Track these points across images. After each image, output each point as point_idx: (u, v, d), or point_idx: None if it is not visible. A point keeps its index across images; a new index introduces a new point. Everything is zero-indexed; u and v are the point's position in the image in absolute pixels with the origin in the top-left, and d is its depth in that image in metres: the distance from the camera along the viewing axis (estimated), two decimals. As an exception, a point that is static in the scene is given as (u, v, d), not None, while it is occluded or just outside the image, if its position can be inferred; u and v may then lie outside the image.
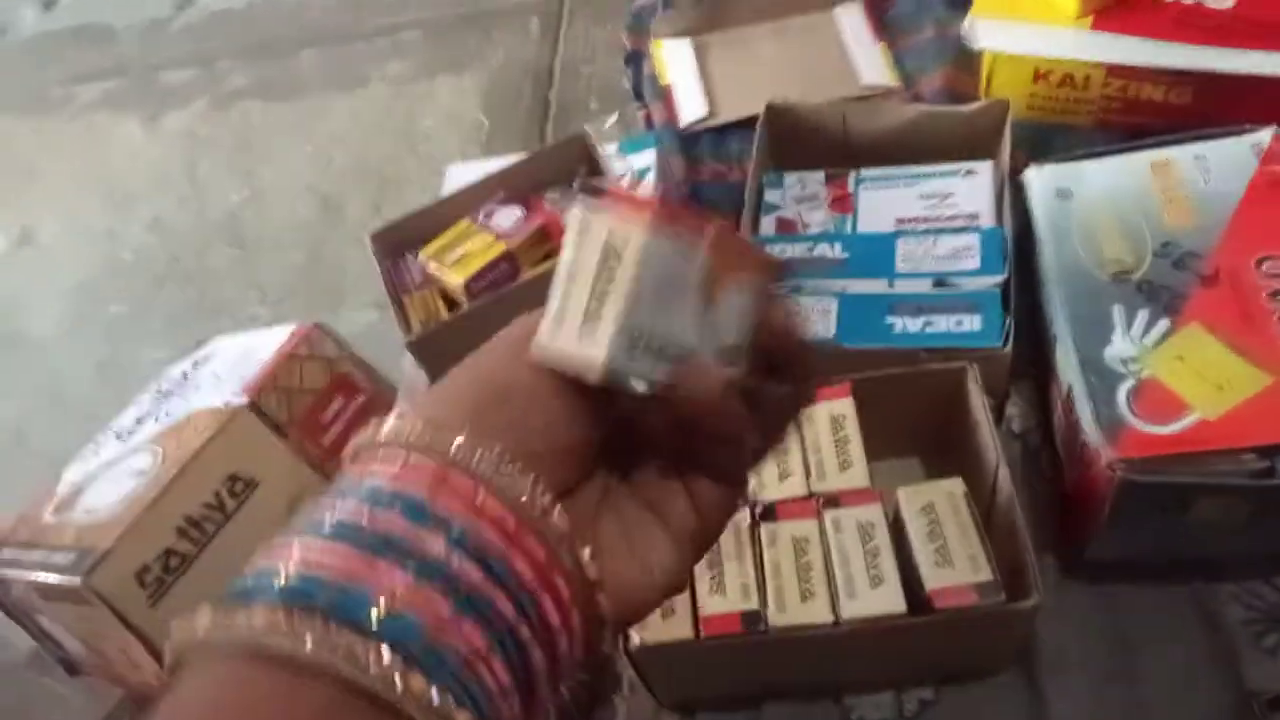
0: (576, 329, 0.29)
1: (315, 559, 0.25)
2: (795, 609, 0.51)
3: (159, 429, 0.64)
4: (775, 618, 0.51)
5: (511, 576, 0.26)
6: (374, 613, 0.24)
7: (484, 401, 0.28)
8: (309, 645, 0.23)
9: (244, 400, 0.61)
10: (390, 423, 0.28)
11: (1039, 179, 0.65)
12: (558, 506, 0.27)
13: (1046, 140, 0.77)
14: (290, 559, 0.25)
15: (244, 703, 0.24)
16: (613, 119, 0.89)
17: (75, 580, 0.54)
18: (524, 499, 0.27)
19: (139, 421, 0.68)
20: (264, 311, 0.89)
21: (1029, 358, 0.65)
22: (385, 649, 0.24)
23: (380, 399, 0.68)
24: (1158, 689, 0.54)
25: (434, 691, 0.24)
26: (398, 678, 0.24)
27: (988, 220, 0.69)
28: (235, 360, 0.67)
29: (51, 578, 0.56)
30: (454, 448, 0.27)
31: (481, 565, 0.26)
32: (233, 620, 0.24)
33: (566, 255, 0.30)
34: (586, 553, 0.28)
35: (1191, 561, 0.57)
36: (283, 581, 0.25)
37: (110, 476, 0.63)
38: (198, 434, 0.60)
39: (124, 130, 1.11)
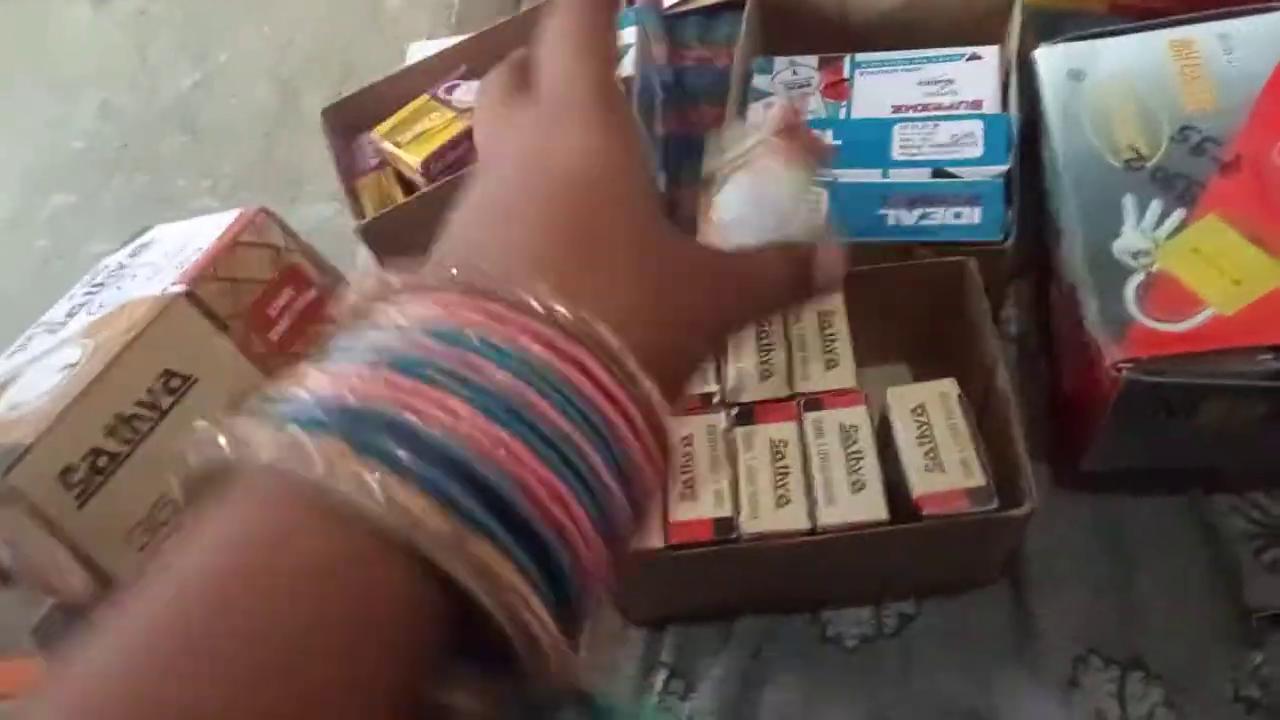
0: None
1: (364, 388, 0.21)
2: (769, 515, 0.48)
3: (90, 320, 0.60)
4: (748, 525, 0.48)
5: (606, 425, 0.22)
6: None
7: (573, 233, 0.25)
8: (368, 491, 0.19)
9: (181, 289, 0.56)
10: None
11: (1049, 59, 0.59)
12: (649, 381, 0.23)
13: (1057, 26, 0.71)
14: (336, 386, 0.21)
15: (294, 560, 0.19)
16: None
17: (-7, 479, 0.50)
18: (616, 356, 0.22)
19: (70, 314, 0.63)
20: (215, 203, 0.84)
21: (1030, 256, 0.61)
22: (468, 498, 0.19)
23: (332, 294, 0.63)
24: (1151, 603, 0.51)
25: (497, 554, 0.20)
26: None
27: (992, 108, 0.64)
28: (175, 248, 0.62)
29: (-30, 476, 0.52)
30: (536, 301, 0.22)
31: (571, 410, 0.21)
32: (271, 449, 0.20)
33: None
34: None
35: (1192, 470, 0.54)
36: (332, 409, 0.20)
37: (37, 371, 0.58)
38: (130, 325, 0.55)
39: (71, 12, 1.04)
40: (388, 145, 0.58)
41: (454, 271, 0.23)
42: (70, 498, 0.51)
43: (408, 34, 0.90)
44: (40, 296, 0.82)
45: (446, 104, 0.58)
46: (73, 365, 0.55)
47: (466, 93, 0.59)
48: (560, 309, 0.22)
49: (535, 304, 0.22)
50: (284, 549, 0.19)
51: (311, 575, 0.19)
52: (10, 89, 0.99)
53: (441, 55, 0.62)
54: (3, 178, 0.92)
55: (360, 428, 0.20)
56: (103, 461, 0.52)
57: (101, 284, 0.64)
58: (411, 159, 0.56)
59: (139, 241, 0.68)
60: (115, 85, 0.96)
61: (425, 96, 0.60)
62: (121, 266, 0.65)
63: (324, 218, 0.78)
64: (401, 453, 0.19)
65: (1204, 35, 0.57)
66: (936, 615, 0.53)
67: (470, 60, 0.61)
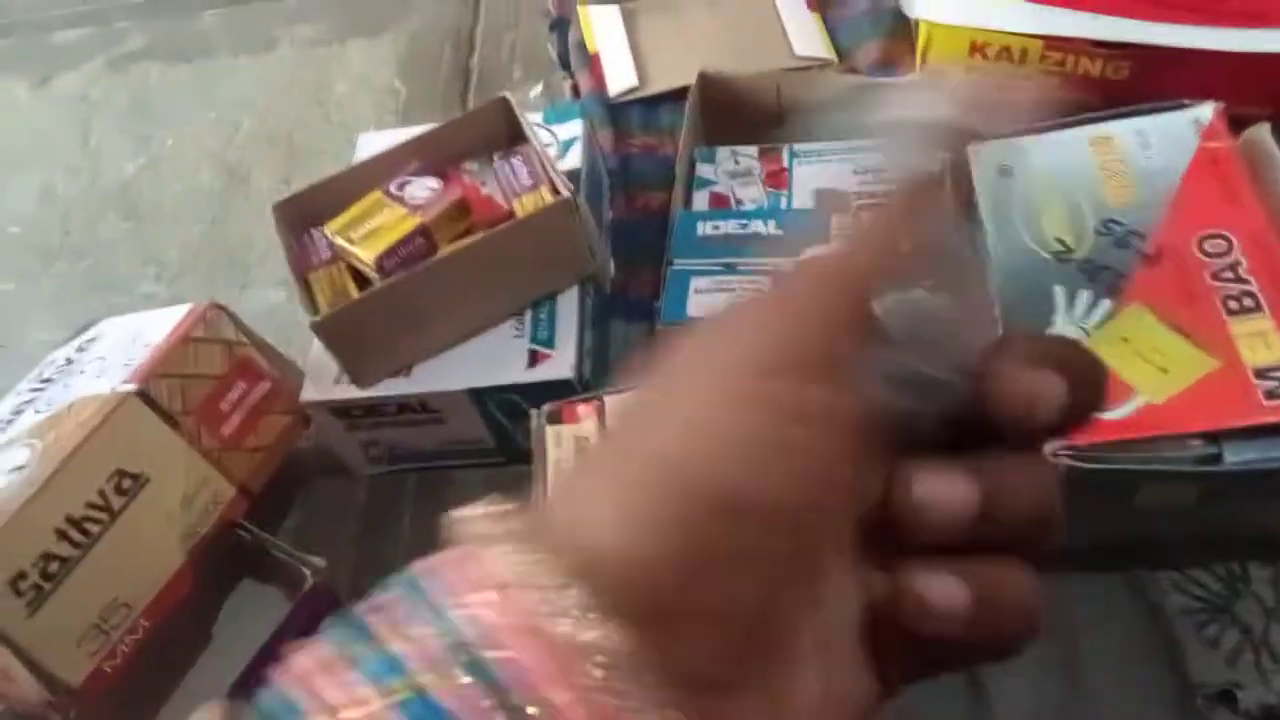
0: None
1: None
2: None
3: (37, 420, 0.59)
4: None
5: None
6: None
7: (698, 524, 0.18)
8: None
9: (132, 388, 0.55)
10: (532, 541, 0.18)
11: (980, 156, 0.63)
12: None
13: (984, 115, 0.75)
14: (329, 706, 0.17)
15: None
16: (538, 88, 0.85)
17: (-61, 589, 0.48)
18: None
19: (17, 411, 0.62)
20: (160, 290, 0.83)
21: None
22: None
23: (285, 386, 0.63)
24: (1098, 679, 0.53)
25: None
26: None
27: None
28: (123, 343, 0.62)
29: (-87, 585, 0.50)
30: (628, 661, 0.17)
31: None
32: None
33: None
34: None
35: (1132, 548, 0.56)
36: None
37: (-18, 473, 0.57)
38: (79, 425, 0.55)
39: (9, 94, 1.03)
40: (340, 241, 0.59)
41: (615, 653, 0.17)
42: (21, 605, 0.50)
43: (354, 119, 0.91)
44: (-22, 385, 0.81)
45: (399, 200, 0.59)
46: (21, 468, 0.55)
47: (418, 189, 0.60)
48: None
49: None
50: None
51: None
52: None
53: (392, 152, 0.63)
54: (-62, 263, 0.91)
55: None
56: (54, 567, 0.51)
57: (49, 379, 0.63)
58: (366, 255, 0.57)
59: (86, 336, 0.67)
60: (55, 169, 0.95)
61: (377, 193, 0.60)
62: (69, 361, 0.64)
63: (273, 304, 0.78)
64: None
65: (1122, 131, 0.61)
66: (893, 697, 0.54)
67: (421, 157, 0.62)
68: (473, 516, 0.19)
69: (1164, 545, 0.55)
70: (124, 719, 0.59)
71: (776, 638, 0.20)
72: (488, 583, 0.18)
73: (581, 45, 0.87)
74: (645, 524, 0.18)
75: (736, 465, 0.19)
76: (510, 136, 0.66)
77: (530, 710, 0.16)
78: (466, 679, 0.16)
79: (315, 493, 0.69)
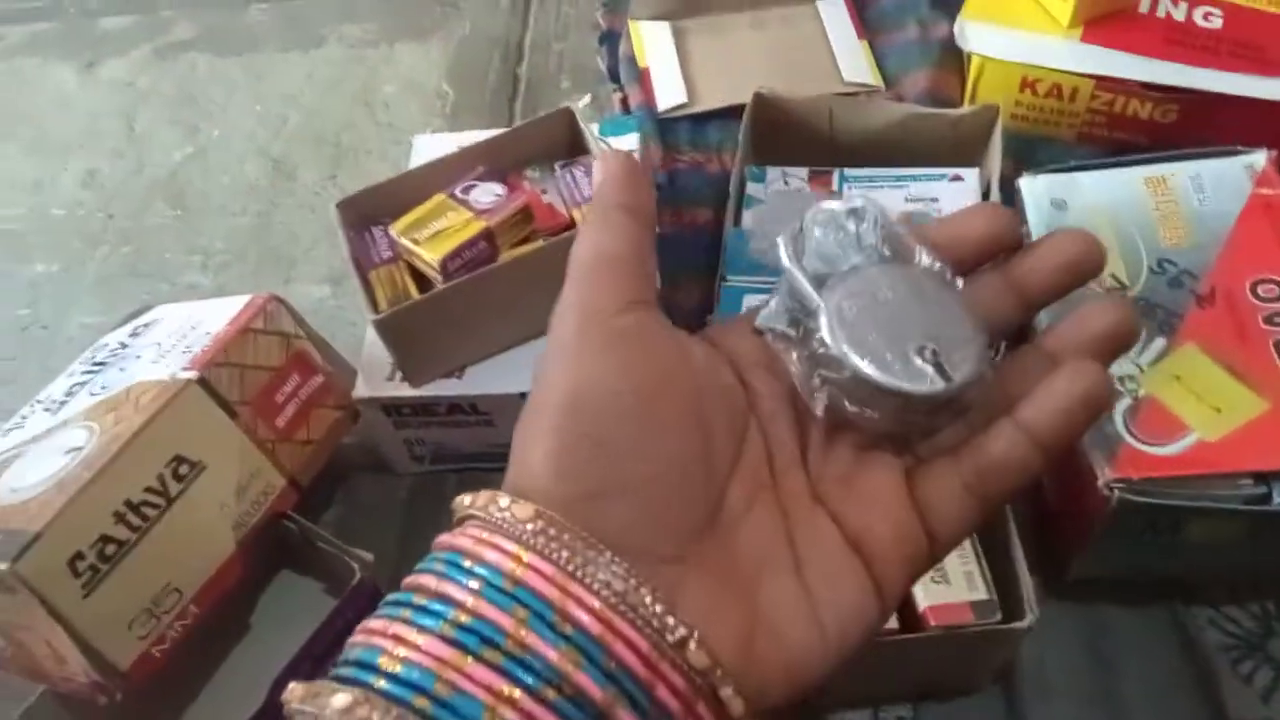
0: None
1: (419, 656, 0.22)
2: (783, 622, 0.49)
3: (93, 402, 0.59)
4: (762, 630, 0.49)
5: (652, 702, 0.23)
6: None
7: (565, 431, 0.25)
8: None
9: (193, 375, 0.56)
10: (504, 501, 0.24)
11: (1032, 188, 0.64)
12: (693, 639, 0.23)
13: (1029, 151, 0.76)
14: (394, 646, 0.23)
15: None
16: (585, 99, 0.86)
17: (1, 566, 0.49)
18: (654, 624, 0.23)
19: (70, 393, 0.62)
20: (205, 280, 0.83)
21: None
22: None
23: (336, 381, 0.64)
24: (1138, 710, 0.53)
25: None
26: None
27: (974, 227, 0.68)
28: (181, 330, 0.62)
29: (-29, 561, 0.51)
30: (571, 551, 0.23)
31: (612, 682, 0.23)
32: (329, 708, 0.22)
33: None
34: (728, 691, 0.24)
35: (1172, 582, 0.57)
36: (387, 673, 0.22)
37: (37, 453, 0.57)
38: (139, 410, 0.55)
39: (55, 77, 1.03)
40: (405, 241, 0.59)
41: (583, 552, 0.23)
42: (77, 586, 0.51)
43: (401, 121, 0.92)
44: (20, 364, 0.81)
45: (464, 204, 0.60)
46: (79, 449, 0.55)
47: (483, 194, 0.61)
48: (693, 652, 0.23)
49: (666, 631, 0.23)
50: None
51: None
52: (-14, 149, 0.98)
53: (456, 156, 0.64)
54: (-19, 242, 0.91)
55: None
56: (110, 549, 0.52)
57: (103, 363, 0.64)
58: (430, 256, 0.58)
59: (140, 321, 0.68)
60: (100, 155, 0.95)
61: (442, 195, 0.61)
62: (123, 345, 0.65)
63: (317, 299, 0.79)
64: None
65: (1177, 173, 0.62)
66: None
67: (484, 162, 0.63)
68: (464, 500, 0.26)
69: (1205, 581, 0.56)
70: (162, 706, 0.60)
71: (701, 517, 0.25)
72: (483, 536, 0.24)
73: (632, 59, 0.88)
74: (546, 448, 0.25)
75: (573, 377, 0.25)
76: (571, 147, 0.66)
77: (495, 575, 0.23)
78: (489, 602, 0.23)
79: (356, 488, 0.69)
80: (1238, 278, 0.56)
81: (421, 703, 0.22)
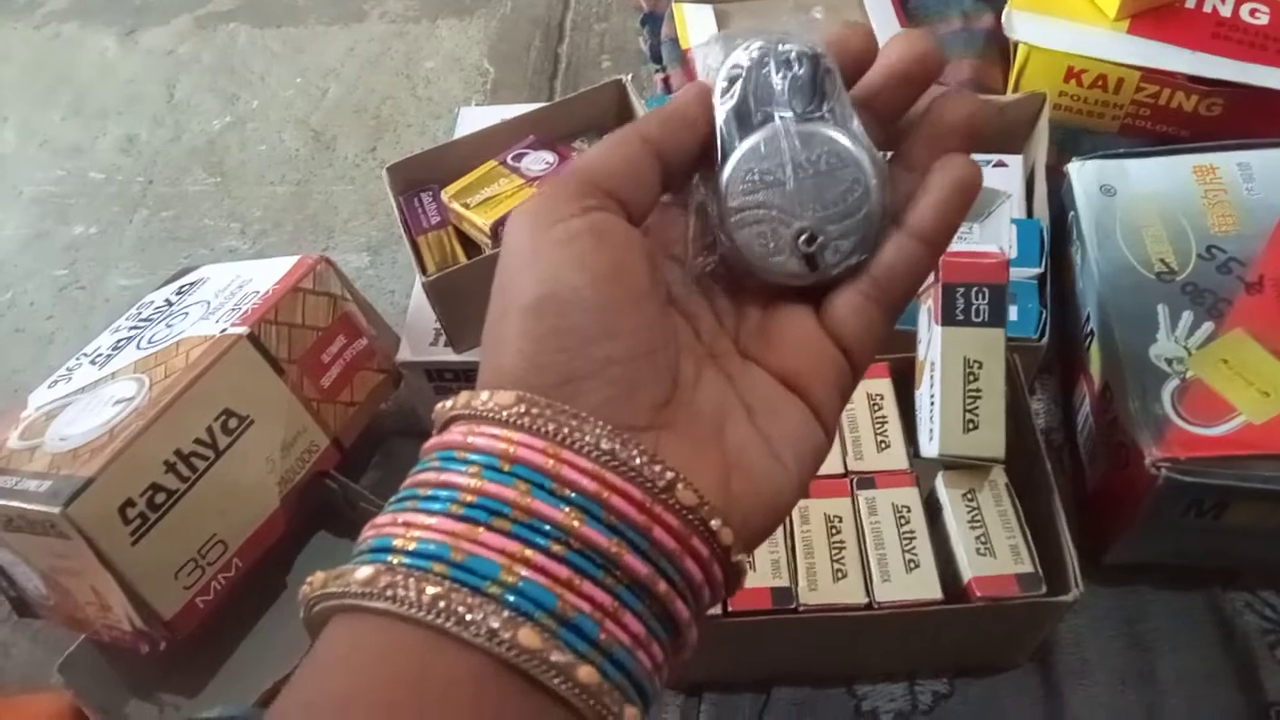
0: None
1: (432, 534, 0.24)
2: (828, 588, 0.50)
3: (141, 355, 0.60)
4: (806, 596, 0.49)
5: (651, 544, 0.25)
6: (503, 580, 0.23)
7: (534, 327, 0.26)
8: (439, 610, 0.23)
9: (244, 330, 0.56)
10: (484, 395, 0.26)
11: (1081, 174, 0.64)
12: (680, 481, 0.25)
13: (1073, 141, 0.76)
14: (406, 530, 0.24)
15: (383, 667, 0.23)
16: (627, 79, 0.86)
17: (53, 510, 0.49)
18: (645, 471, 0.25)
19: (116, 347, 0.63)
20: (244, 246, 0.84)
21: (1054, 353, 0.64)
22: (527, 625, 0.23)
23: (380, 345, 0.64)
24: (1175, 693, 0.53)
25: (581, 668, 0.23)
26: (538, 649, 0.23)
27: (1018, 213, 0.68)
28: (229, 288, 0.62)
29: (23, 505, 0.51)
30: (556, 424, 0.25)
31: (615, 533, 0.24)
32: (353, 582, 0.23)
33: None
34: (717, 521, 0.26)
35: (1210, 567, 0.57)
36: (403, 550, 0.24)
37: (86, 403, 0.58)
38: (190, 363, 0.55)
39: (96, 43, 1.04)
40: (456, 206, 0.60)
41: (566, 423, 0.25)
42: (127, 533, 0.51)
43: (442, 96, 0.92)
44: (58, 322, 0.82)
45: (515, 171, 0.60)
46: (129, 399, 0.56)
47: (534, 162, 0.61)
48: (682, 492, 0.25)
49: (656, 480, 0.25)
50: (430, 678, 0.23)
51: (455, 698, 0.23)
52: (27, 114, 0.99)
53: (506, 125, 0.64)
54: (22, 202, 0.91)
55: (484, 581, 0.23)
56: (160, 498, 0.52)
57: (149, 319, 0.64)
58: (481, 220, 0.58)
59: (185, 280, 0.68)
60: (139, 121, 0.96)
61: (493, 162, 0.62)
62: (169, 303, 0.65)
63: (356, 268, 0.79)
64: (541, 616, 0.23)
65: (1225, 163, 0.62)
66: (970, 694, 0.54)
67: (536, 131, 0.64)
68: (445, 405, 0.27)
69: (1243, 566, 0.56)
70: (199, 660, 0.60)
71: (666, 389, 0.27)
72: (471, 429, 0.26)
73: (675, 41, 0.88)
74: (517, 347, 0.26)
75: (533, 278, 0.26)
76: (620, 118, 0.67)
77: (490, 459, 0.25)
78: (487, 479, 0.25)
79: (393, 453, 0.70)
80: (1286, 266, 0.56)
81: (440, 568, 0.23)
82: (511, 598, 0.23)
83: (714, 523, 0.25)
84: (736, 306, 0.30)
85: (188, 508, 0.54)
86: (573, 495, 0.24)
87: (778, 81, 0.28)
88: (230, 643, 0.62)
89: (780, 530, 0.52)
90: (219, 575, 0.55)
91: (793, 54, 0.28)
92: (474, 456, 0.25)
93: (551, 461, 0.24)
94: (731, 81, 0.29)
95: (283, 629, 0.62)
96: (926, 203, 0.28)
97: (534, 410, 0.25)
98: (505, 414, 0.25)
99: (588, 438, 0.25)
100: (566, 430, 0.25)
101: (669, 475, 0.25)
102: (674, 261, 0.30)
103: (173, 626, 0.54)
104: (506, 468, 0.24)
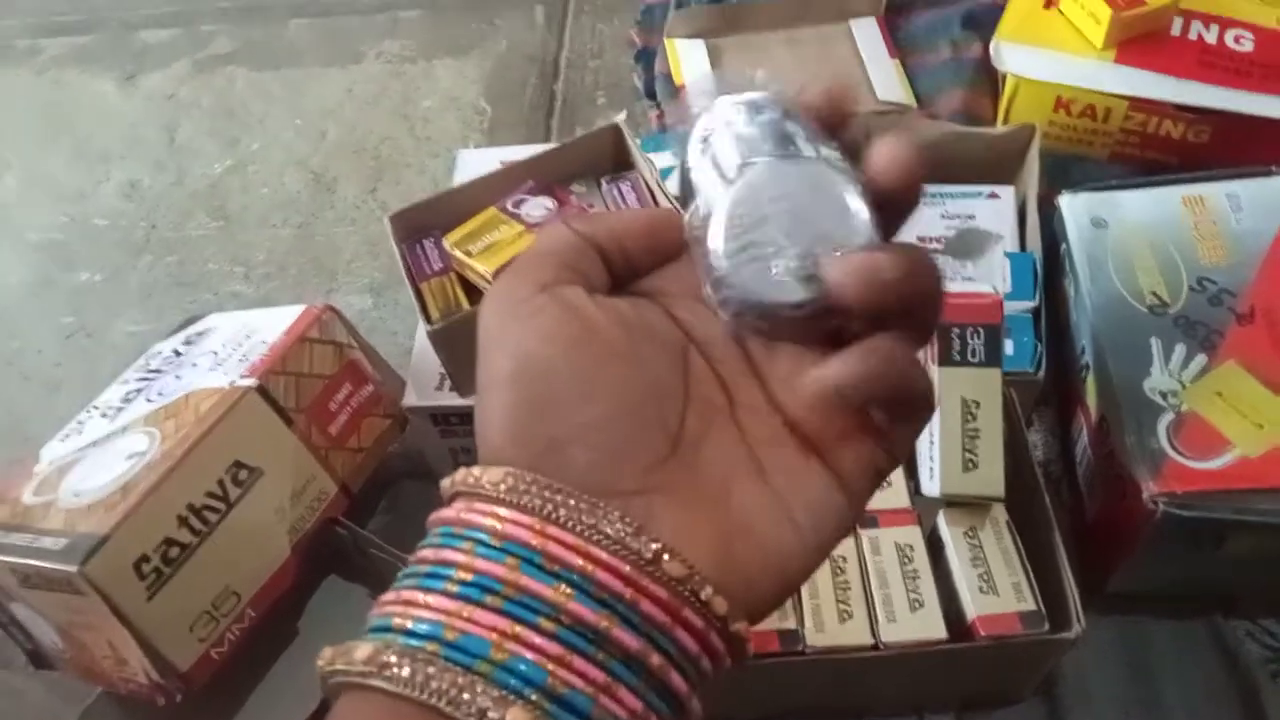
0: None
1: (428, 613, 0.25)
2: (834, 629, 0.50)
3: (152, 408, 0.61)
4: (813, 638, 0.50)
5: (641, 617, 0.25)
6: (493, 658, 0.24)
7: (511, 399, 0.27)
8: (432, 691, 0.23)
9: (252, 383, 0.57)
10: (477, 471, 0.27)
11: (1072, 206, 0.65)
12: (665, 553, 0.25)
13: (1062, 170, 0.77)
14: (405, 609, 0.25)
15: None
16: (621, 115, 0.87)
17: (69, 568, 0.50)
18: (631, 544, 0.25)
19: (126, 399, 0.64)
20: (249, 290, 0.85)
21: (1051, 384, 0.65)
22: (518, 704, 0.23)
23: (386, 390, 0.65)
24: (1178, 721, 0.54)
25: None
26: None
27: (1009, 245, 0.69)
28: (236, 338, 0.63)
29: (40, 564, 0.52)
30: (542, 500, 0.25)
31: (604, 607, 0.25)
32: (354, 660, 0.24)
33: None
34: (708, 591, 0.25)
35: (1211, 596, 0.58)
36: (401, 629, 0.25)
37: (98, 457, 0.59)
38: (199, 416, 0.56)
39: (96, 88, 1.05)
40: (458, 253, 0.60)
41: (551, 498, 0.25)
42: (142, 588, 0.52)
43: (440, 135, 0.93)
44: (66, 370, 0.83)
45: (515, 217, 0.61)
46: (140, 453, 0.56)
47: (534, 208, 0.62)
48: (668, 564, 0.25)
49: (642, 553, 0.25)
50: None
51: None
52: (29, 161, 1.00)
53: (504, 171, 0.65)
54: (25, 250, 0.92)
55: (474, 660, 0.24)
56: (174, 552, 0.53)
57: (158, 370, 0.65)
58: (484, 268, 0.59)
59: (193, 329, 0.69)
60: (141, 165, 0.97)
61: (493, 209, 0.62)
62: (177, 354, 0.66)
63: (359, 310, 0.80)
64: (532, 694, 0.23)
65: (1214, 193, 0.63)
66: (977, 728, 0.55)
67: (535, 175, 0.65)
68: (445, 482, 0.28)
69: (1244, 595, 0.57)
70: (213, 709, 0.61)
71: (659, 449, 0.27)
72: (466, 505, 0.26)
73: (668, 77, 0.89)
74: (498, 423, 0.27)
75: (506, 355, 0.27)
76: (616, 162, 0.68)
77: (482, 535, 0.25)
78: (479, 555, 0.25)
79: (400, 496, 0.70)
80: (1277, 296, 0.57)
81: (433, 647, 0.24)
82: (501, 675, 0.23)
83: (704, 593, 0.25)
84: (769, 353, 0.29)
85: (201, 561, 0.54)
86: (561, 570, 0.25)
87: (748, 131, 0.29)
88: (243, 691, 0.62)
89: (785, 571, 0.52)
90: (232, 626, 0.56)
91: (757, 101, 0.29)
92: (469, 533, 0.26)
93: (539, 538, 0.25)
94: (705, 141, 0.29)
95: (295, 675, 0.62)
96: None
97: (520, 486, 0.25)
98: (495, 490, 0.26)
99: (572, 512, 0.25)
100: (551, 506, 0.25)
101: (654, 547, 0.25)
102: (688, 299, 0.30)
103: (188, 678, 0.54)
104: (498, 544, 0.25)
